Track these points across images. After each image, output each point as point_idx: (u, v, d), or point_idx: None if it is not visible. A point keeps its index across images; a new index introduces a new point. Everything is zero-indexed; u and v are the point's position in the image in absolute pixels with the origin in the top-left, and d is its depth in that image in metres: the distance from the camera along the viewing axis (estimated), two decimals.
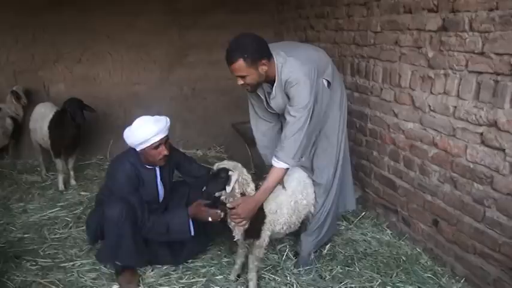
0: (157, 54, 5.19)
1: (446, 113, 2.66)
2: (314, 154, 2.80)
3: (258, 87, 2.56)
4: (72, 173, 4.37)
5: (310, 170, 2.83)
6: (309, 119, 2.46)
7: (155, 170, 2.79)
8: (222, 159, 5.10)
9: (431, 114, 2.79)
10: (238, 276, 2.76)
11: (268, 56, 2.39)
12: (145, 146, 2.58)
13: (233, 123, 5.09)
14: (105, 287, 2.68)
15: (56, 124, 4.12)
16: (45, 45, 4.81)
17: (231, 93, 5.46)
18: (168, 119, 2.69)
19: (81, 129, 4.12)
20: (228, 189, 2.34)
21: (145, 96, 5.20)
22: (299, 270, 2.82)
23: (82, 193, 4.14)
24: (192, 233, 2.67)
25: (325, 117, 2.72)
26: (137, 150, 2.63)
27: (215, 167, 2.43)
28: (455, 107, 2.58)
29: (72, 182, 4.36)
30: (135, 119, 2.68)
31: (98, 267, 2.88)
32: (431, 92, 2.77)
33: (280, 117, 2.80)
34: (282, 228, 2.61)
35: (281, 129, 2.77)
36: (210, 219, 2.57)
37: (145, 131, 2.55)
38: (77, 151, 4.37)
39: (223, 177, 2.34)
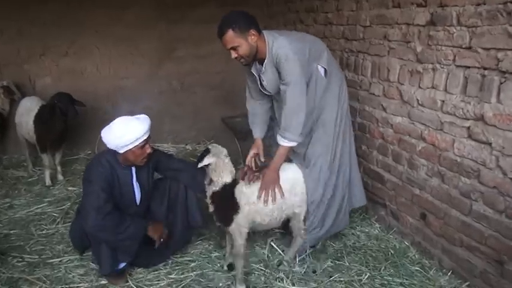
0: (145, 48, 5.12)
1: (434, 107, 2.67)
2: (309, 143, 2.82)
3: (252, 60, 2.61)
4: (59, 168, 4.31)
5: (302, 157, 2.84)
6: (304, 97, 2.54)
7: (131, 170, 2.69)
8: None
9: (420, 109, 2.80)
10: (231, 264, 2.77)
11: (257, 29, 2.50)
12: (132, 147, 2.49)
13: (222, 118, 5.08)
14: (93, 282, 2.66)
15: (41, 118, 4.05)
16: (31, 39, 4.72)
17: (220, 88, 5.44)
18: (147, 117, 2.62)
19: (68, 124, 4.05)
20: (199, 165, 2.51)
21: (134, 91, 5.15)
22: (290, 264, 2.83)
23: (69, 188, 4.09)
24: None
25: (322, 105, 2.76)
26: (120, 152, 2.52)
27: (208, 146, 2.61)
28: (443, 101, 2.59)
29: (60, 177, 4.30)
30: (123, 113, 2.63)
31: (85, 263, 2.85)
32: (419, 86, 2.78)
33: (272, 98, 2.89)
34: (264, 220, 2.62)
35: (271, 108, 2.93)
36: (161, 240, 2.67)
37: (134, 132, 2.46)
38: (64, 146, 4.31)
39: (204, 154, 2.52)
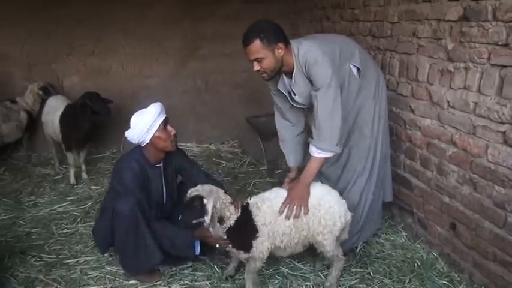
0: (170, 47, 5.10)
1: (466, 109, 2.47)
2: (347, 154, 2.71)
3: (275, 75, 2.49)
4: (83, 166, 4.35)
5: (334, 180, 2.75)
6: (338, 101, 2.35)
7: (160, 169, 2.74)
8: (235, 154, 5.14)
9: (450, 111, 2.61)
10: (231, 276, 2.66)
11: (285, 42, 2.37)
12: (154, 131, 2.53)
13: (247, 117, 4.99)
14: (107, 285, 2.63)
15: (67, 118, 4.11)
16: (58, 38, 4.79)
17: (245, 87, 5.34)
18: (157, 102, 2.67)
19: (96, 123, 4.12)
20: (207, 219, 2.25)
21: (158, 89, 5.13)
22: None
23: (92, 187, 4.12)
24: (197, 253, 2.64)
25: (357, 106, 2.62)
26: (148, 141, 2.56)
27: (188, 194, 2.32)
28: (476, 103, 2.39)
29: (84, 175, 4.34)
30: None
31: (102, 265, 2.83)
32: (450, 87, 2.59)
33: (304, 113, 2.77)
34: (282, 241, 2.39)
35: (304, 131, 2.80)
36: (217, 245, 2.51)
37: (148, 116, 2.53)
38: (89, 145, 4.36)
39: (197, 205, 2.26)
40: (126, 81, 5.09)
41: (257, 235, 2.34)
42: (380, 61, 3.32)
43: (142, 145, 2.61)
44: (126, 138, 2.60)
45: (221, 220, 2.33)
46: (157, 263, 2.60)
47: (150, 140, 2.57)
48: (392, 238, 3.12)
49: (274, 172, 4.38)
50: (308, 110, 2.69)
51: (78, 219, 3.44)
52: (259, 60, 2.35)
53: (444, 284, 2.57)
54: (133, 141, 2.59)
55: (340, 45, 2.48)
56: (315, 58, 2.32)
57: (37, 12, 4.65)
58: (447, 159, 2.68)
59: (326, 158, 2.45)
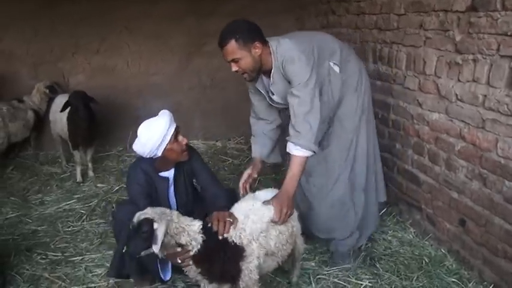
0: (174, 44, 5.08)
1: (475, 102, 2.41)
2: (328, 145, 2.64)
3: (255, 76, 2.39)
4: (90, 164, 4.36)
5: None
6: (317, 99, 2.27)
7: (168, 181, 2.57)
8: (241, 150, 5.11)
9: (459, 104, 2.54)
10: None
11: (262, 40, 2.29)
12: (166, 144, 2.36)
13: None
14: (111, 282, 2.62)
15: (73, 116, 4.11)
16: (63, 37, 4.80)
17: None
18: (165, 110, 2.50)
19: (96, 122, 4.11)
20: (156, 248, 1.83)
21: (164, 87, 5.13)
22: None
23: (98, 185, 4.12)
24: (166, 278, 2.26)
25: (338, 100, 2.57)
26: (159, 155, 2.39)
27: (136, 217, 1.91)
28: (485, 96, 2.33)
29: (90, 173, 4.35)
30: (154, 109, 2.55)
31: (106, 263, 2.82)
32: (458, 80, 2.52)
33: (281, 114, 2.68)
34: (276, 243, 2.13)
35: (277, 128, 2.73)
36: (179, 261, 2.02)
37: (159, 129, 2.34)
38: (95, 143, 4.36)
39: (145, 231, 1.85)
40: (132, 79, 5.09)
41: (244, 254, 2.01)
42: (386, 55, 3.27)
43: (154, 157, 2.44)
44: (133, 135, 2.47)
45: (181, 246, 1.96)
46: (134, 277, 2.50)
47: (162, 153, 2.40)
48: (399, 235, 3.06)
49: (280, 169, 4.33)
50: (286, 110, 2.49)
51: (84, 217, 3.45)
52: (236, 61, 2.26)
53: (453, 281, 2.51)
54: (144, 155, 2.41)
55: (319, 43, 2.42)
56: (292, 56, 2.25)
57: (42, 11, 4.65)
58: (456, 154, 2.62)
59: (307, 160, 2.29)
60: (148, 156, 2.40)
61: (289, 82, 2.32)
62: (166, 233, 1.87)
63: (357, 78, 2.59)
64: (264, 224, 2.09)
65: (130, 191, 2.50)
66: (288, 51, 2.27)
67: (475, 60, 2.37)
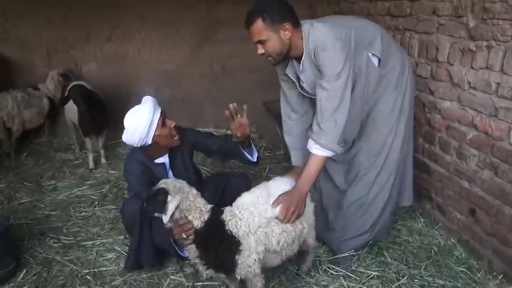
0: (186, 31, 5.06)
1: (488, 90, 2.36)
2: (357, 143, 2.48)
3: (282, 59, 2.21)
4: (102, 151, 4.41)
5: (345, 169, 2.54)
6: (348, 94, 2.09)
7: (165, 166, 2.60)
8: (252, 139, 5.08)
9: (471, 92, 2.50)
10: None
11: (293, 22, 2.10)
12: (153, 130, 2.39)
13: (264, 102, 4.93)
14: (120, 265, 2.67)
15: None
16: (75, 25, 4.82)
17: (262, 71, 5.23)
18: (148, 96, 2.51)
19: (106, 110, 4.21)
20: (165, 218, 1.95)
21: (175, 75, 5.14)
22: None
23: (110, 171, 4.18)
24: (184, 254, 2.30)
25: (375, 97, 2.37)
26: (150, 142, 2.43)
27: (158, 184, 2.04)
28: (499, 83, 2.28)
29: (103, 160, 4.41)
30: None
31: (117, 247, 2.87)
32: (471, 67, 2.47)
33: (313, 106, 2.42)
34: (279, 242, 2.08)
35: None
36: (184, 235, 2.06)
37: (143, 116, 2.37)
38: (106, 131, 4.39)
39: (160, 200, 1.96)
40: (143, 66, 5.10)
41: (240, 248, 2.00)
42: (399, 41, 3.20)
43: (145, 145, 2.48)
44: None
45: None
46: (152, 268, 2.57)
47: (152, 140, 2.44)
48: (409, 224, 3.04)
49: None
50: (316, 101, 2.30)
51: (96, 203, 3.50)
52: (262, 43, 2.08)
53: (462, 271, 2.50)
54: (135, 145, 2.44)
55: (358, 30, 2.18)
56: (325, 43, 2.05)
57: None
58: (467, 143, 2.58)
59: (326, 159, 2.18)
60: (139, 145, 2.44)
61: (320, 72, 2.14)
62: (177, 207, 1.96)
63: (397, 74, 2.37)
64: (263, 219, 2.03)
65: (131, 185, 2.55)
66: (321, 37, 2.07)
67: (488, 47, 2.32)
